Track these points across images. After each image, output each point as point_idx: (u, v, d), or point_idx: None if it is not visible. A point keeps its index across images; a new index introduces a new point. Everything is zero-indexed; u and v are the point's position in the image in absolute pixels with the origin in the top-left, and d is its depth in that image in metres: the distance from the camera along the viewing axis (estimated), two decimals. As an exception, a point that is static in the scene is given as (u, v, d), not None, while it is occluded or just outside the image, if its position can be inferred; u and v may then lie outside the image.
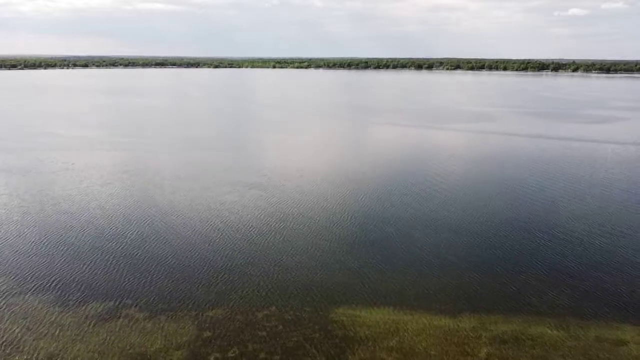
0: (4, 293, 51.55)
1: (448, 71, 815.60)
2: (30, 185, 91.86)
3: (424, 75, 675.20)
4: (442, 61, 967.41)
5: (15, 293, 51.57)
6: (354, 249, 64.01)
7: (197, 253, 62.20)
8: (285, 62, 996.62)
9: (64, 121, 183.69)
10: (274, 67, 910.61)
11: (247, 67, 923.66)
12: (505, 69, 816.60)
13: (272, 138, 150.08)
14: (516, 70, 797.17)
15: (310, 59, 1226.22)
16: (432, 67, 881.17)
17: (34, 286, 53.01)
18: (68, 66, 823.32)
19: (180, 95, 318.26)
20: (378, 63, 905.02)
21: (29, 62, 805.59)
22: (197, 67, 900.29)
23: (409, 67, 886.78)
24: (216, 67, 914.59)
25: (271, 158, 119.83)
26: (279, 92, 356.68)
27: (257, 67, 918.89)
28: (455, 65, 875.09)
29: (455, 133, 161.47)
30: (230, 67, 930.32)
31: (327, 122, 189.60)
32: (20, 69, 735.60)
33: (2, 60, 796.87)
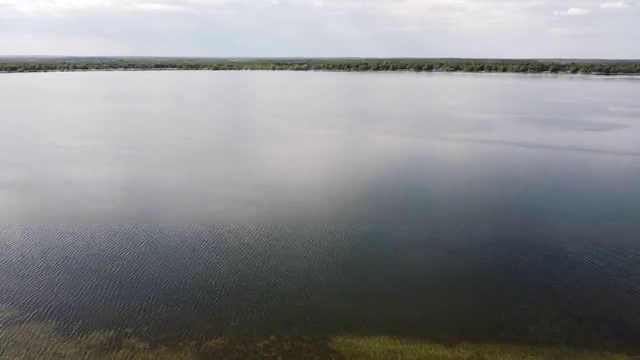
0: (6, 321, 52.13)
1: (448, 72, 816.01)
2: (28, 204, 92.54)
3: (424, 77, 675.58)
4: (442, 62, 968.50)
5: (17, 321, 52.12)
6: (351, 271, 64.53)
7: (195, 276, 62.70)
8: (284, 63, 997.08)
9: (64, 130, 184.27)
10: (274, 68, 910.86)
11: (246, 68, 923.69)
12: (504, 70, 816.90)
13: (270, 149, 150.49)
14: (515, 71, 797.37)
15: (309, 60, 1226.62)
16: (432, 69, 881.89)
17: (34, 314, 53.56)
18: (68, 68, 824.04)
19: (180, 101, 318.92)
20: (378, 64, 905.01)
21: (29, 64, 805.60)
22: (196, 69, 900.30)
23: (409, 68, 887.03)
24: (216, 69, 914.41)
25: (269, 171, 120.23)
26: (278, 97, 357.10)
27: (257, 68, 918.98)
28: (455, 66, 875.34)
29: (454, 143, 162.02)
30: (230, 68, 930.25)
31: (325, 132, 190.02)
32: (20, 71, 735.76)
33: (2, 63, 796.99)
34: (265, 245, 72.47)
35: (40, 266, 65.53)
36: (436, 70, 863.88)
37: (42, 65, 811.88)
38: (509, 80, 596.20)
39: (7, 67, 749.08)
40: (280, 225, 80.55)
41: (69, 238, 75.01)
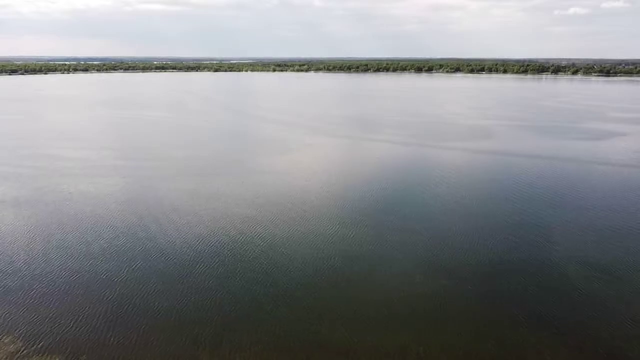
0: (11, 356, 52.62)
1: (448, 74, 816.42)
2: (26, 221, 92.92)
3: (424, 79, 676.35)
4: (442, 63, 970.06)
5: (22, 356, 52.56)
6: (348, 300, 64.94)
7: (192, 303, 63.06)
8: (285, 64, 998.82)
9: (63, 140, 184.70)
10: (274, 70, 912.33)
11: (247, 70, 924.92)
12: (505, 71, 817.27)
13: (270, 161, 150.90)
14: (516, 73, 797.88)
15: (310, 60, 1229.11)
16: (432, 70, 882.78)
17: (38, 348, 53.99)
18: (68, 71, 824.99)
19: (181, 107, 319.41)
20: (378, 65, 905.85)
21: (29, 67, 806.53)
22: (197, 71, 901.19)
23: (409, 69, 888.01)
24: (216, 70, 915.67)
25: (267, 185, 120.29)
26: (279, 103, 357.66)
27: (257, 70, 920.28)
28: (455, 67, 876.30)
29: (452, 153, 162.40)
30: (230, 70, 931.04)
31: (326, 141, 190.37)
32: (20, 74, 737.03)
33: (2, 65, 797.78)
34: (263, 269, 72.84)
35: (40, 292, 66.00)
36: (436, 72, 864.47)
37: (43, 68, 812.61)
38: (509, 82, 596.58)
39: (7, 70, 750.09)
40: (275, 247, 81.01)
41: (70, 262, 75.45)
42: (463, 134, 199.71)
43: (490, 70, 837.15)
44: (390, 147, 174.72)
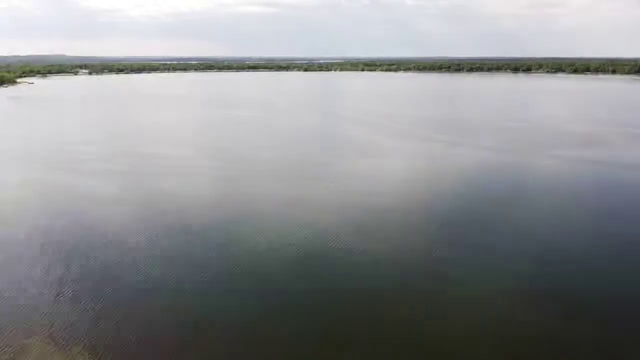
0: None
1: (548, 74, 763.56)
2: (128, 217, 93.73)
3: (522, 79, 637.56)
4: (542, 62, 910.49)
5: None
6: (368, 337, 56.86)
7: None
8: (374, 64, 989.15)
9: (165, 139, 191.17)
10: (363, 69, 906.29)
11: (336, 69, 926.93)
12: (614, 72, 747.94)
13: (357, 165, 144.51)
14: (627, 73, 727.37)
15: (399, 60, 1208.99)
16: (530, 70, 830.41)
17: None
18: (169, 70, 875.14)
19: (272, 107, 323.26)
20: (471, 65, 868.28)
21: (134, 66, 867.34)
22: (287, 70, 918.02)
23: (505, 69, 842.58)
24: (305, 70, 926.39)
25: (352, 190, 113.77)
26: (366, 103, 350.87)
27: (347, 69, 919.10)
28: (557, 67, 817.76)
29: (552, 162, 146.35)
30: (320, 70, 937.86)
31: (409, 146, 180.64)
32: (126, 73, 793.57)
33: (111, 65, 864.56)
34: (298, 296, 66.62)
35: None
36: (535, 72, 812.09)
37: (146, 67, 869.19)
38: (619, 84, 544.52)
39: (115, 69, 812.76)
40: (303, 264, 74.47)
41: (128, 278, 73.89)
42: (568, 141, 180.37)
43: (597, 71, 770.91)
44: (487, 154, 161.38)
